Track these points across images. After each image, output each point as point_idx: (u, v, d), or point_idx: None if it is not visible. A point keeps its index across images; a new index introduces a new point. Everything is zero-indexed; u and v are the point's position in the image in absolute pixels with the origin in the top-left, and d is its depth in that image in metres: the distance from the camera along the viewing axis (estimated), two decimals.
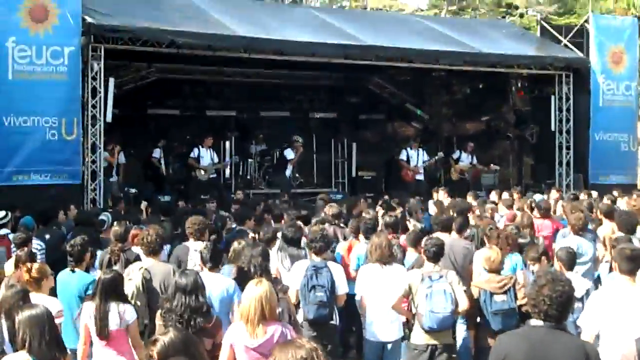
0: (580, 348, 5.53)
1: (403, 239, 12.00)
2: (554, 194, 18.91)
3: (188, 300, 7.28)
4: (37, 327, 5.90)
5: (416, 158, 23.87)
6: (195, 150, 21.82)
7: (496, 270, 9.61)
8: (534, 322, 5.66)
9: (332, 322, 9.43)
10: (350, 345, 12.06)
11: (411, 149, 24.10)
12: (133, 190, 20.49)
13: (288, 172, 23.60)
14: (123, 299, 8.15)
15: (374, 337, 9.79)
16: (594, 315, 7.25)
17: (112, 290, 8.02)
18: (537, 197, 17.86)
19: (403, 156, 23.96)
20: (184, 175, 22.58)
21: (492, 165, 24.86)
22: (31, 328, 5.88)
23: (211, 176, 21.96)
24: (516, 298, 9.38)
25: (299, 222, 12.65)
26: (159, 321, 7.57)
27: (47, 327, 5.94)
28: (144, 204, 16.72)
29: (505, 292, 9.37)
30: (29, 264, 8.53)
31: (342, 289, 9.51)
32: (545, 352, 5.46)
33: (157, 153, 22.47)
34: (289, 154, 23.79)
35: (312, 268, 9.38)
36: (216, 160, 22.22)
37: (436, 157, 24.78)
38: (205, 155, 21.82)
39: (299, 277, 9.44)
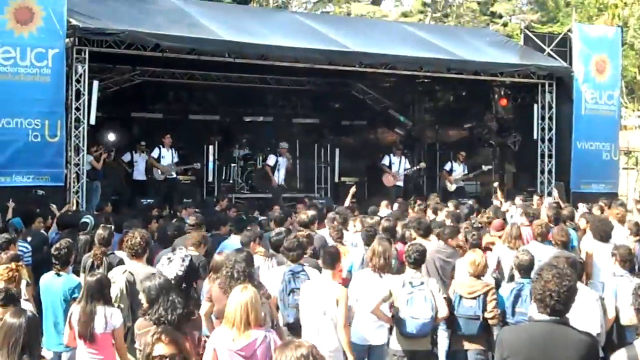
0: (582, 342, 5.63)
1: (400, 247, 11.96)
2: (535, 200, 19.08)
3: (172, 297, 7.25)
4: (9, 336, 5.85)
5: (398, 165, 24.03)
6: (157, 150, 21.74)
7: (479, 274, 9.59)
8: (539, 316, 5.71)
9: None
10: None
11: (394, 155, 24.28)
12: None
13: (277, 178, 23.39)
14: (109, 302, 8.14)
15: (359, 341, 9.81)
16: None
17: (98, 293, 8.01)
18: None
19: (385, 161, 24.16)
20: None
21: (483, 166, 24.84)
22: (4, 337, 5.85)
23: (168, 177, 21.78)
24: (485, 309, 9.39)
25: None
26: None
27: (22, 336, 5.85)
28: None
29: (474, 298, 9.40)
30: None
31: None
32: (549, 346, 5.56)
33: (127, 157, 22.29)
34: (272, 160, 23.60)
35: (289, 272, 9.42)
36: (177, 161, 22.07)
37: (418, 167, 24.98)
38: (166, 155, 21.70)
39: (277, 283, 9.48)
